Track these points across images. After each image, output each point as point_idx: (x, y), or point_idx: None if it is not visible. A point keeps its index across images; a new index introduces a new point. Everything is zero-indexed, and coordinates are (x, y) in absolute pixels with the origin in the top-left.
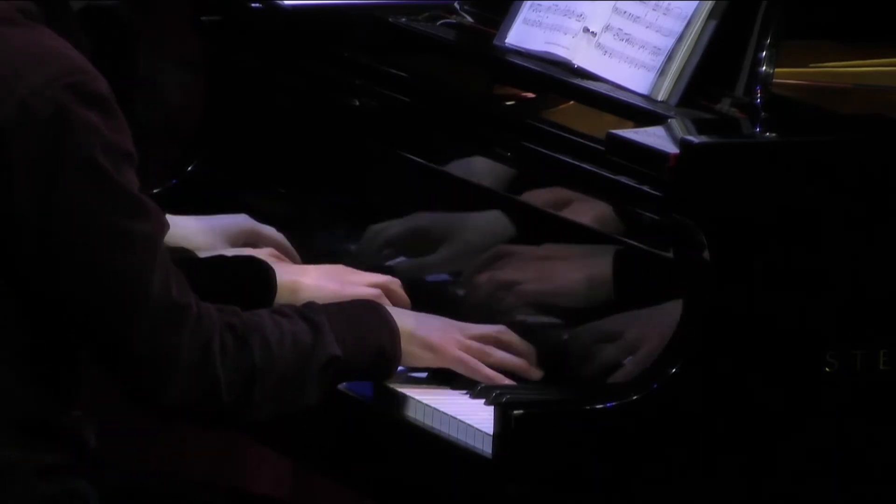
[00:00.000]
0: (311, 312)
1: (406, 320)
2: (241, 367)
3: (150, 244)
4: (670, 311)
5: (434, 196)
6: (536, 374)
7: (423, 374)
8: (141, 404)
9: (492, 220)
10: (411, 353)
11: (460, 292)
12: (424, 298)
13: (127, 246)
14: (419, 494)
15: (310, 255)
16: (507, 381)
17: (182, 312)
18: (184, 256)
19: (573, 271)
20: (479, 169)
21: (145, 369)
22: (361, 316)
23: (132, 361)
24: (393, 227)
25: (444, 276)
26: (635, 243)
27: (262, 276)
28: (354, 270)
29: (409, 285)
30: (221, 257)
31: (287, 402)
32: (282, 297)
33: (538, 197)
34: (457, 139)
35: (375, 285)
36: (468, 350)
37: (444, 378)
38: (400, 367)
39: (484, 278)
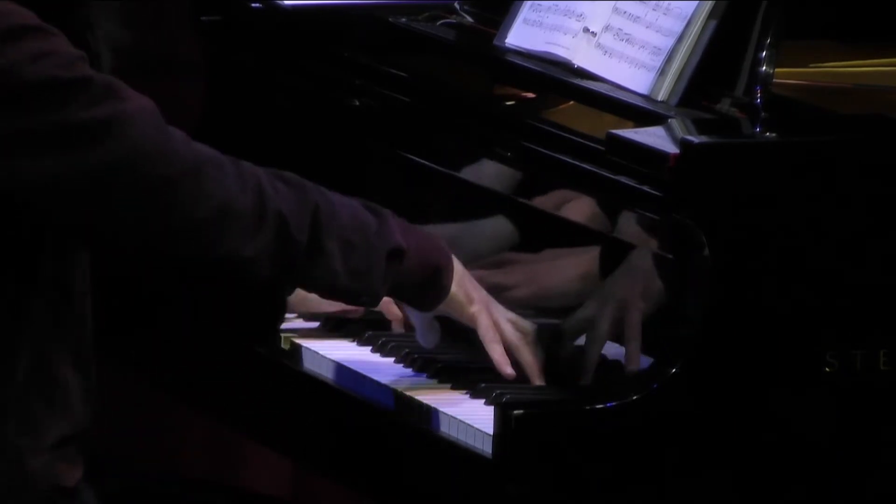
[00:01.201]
0: (376, 207)
1: (459, 266)
2: (303, 208)
3: (149, 114)
4: (670, 311)
5: (434, 196)
6: (541, 381)
7: (423, 375)
8: (225, 273)
9: (493, 221)
10: (456, 296)
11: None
12: None
13: (128, 127)
14: (419, 494)
15: None
16: (510, 369)
17: (213, 160)
18: None
19: (570, 271)
20: (479, 169)
21: (207, 228)
22: (423, 234)
23: (193, 227)
24: None
25: None
26: (635, 243)
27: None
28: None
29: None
30: None
31: (358, 273)
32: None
33: (538, 197)
34: (457, 139)
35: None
36: (497, 325)
37: (444, 378)
38: (404, 370)
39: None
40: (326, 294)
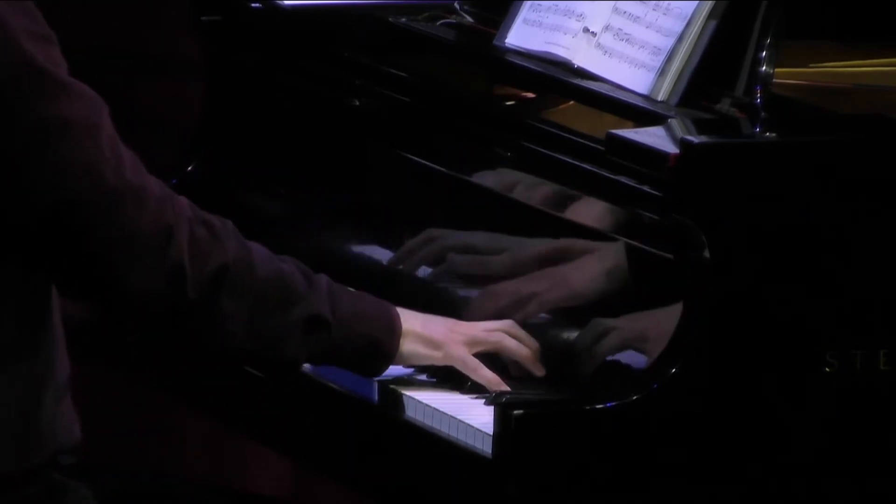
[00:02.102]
0: (312, 273)
1: (413, 321)
2: (210, 263)
3: (91, 128)
4: (670, 311)
5: (434, 196)
6: (540, 369)
7: (424, 375)
8: (106, 299)
9: (493, 222)
10: (416, 352)
11: (461, 294)
12: (428, 302)
13: (66, 132)
14: (419, 494)
15: (310, 254)
16: (505, 387)
17: (139, 193)
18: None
19: (580, 272)
20: (480, 169)
21: (106, 255)
22: (365, 303)
23: (92, 250)
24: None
25: (446, 280)
26: (635, 243)
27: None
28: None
29: (412, 290)
30: None
31: (263, 339)
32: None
33: (538, 197)
34: (457, 139)
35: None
36: (475, 344)
37: (444, 378)
38: (409, 368)
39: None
40: (223, 353)
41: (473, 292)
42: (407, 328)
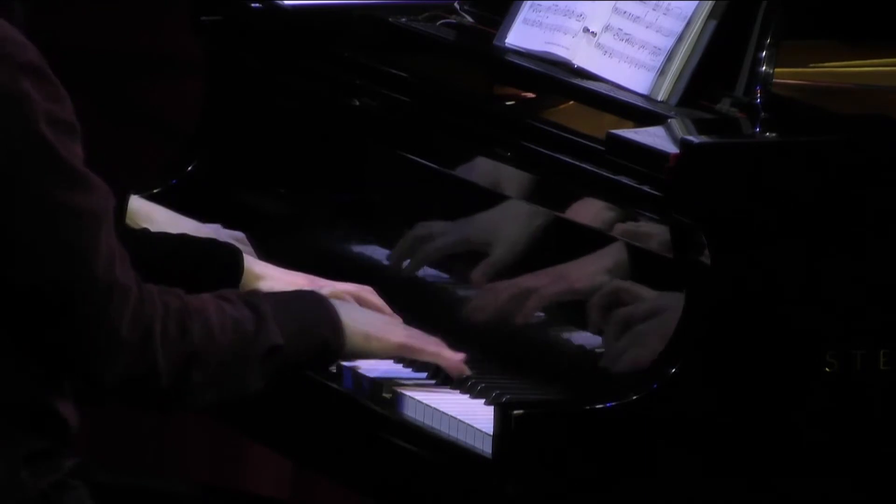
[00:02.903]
0: (255, 300)
1: (351, 314)
2: (181, 353)
3: (93, 219)
4: (671, 311)
5: (434, 196)
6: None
7: (423, 374)
8: (82, 384)
9: (493, 222)
10: (357, 344)
11: (460, 293)
12: (426, 300)
13: (69, 220)
14: (419, 494)
15: (310, 255)
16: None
17: (124, 293)
18: (148, 233)
19: (591, 268)
20: (480, 169)
21: (86, 348)
22: (306, 307)
23: (73, 339)
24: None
25: (444, 278)
26: (635, 243)
27: (231, 257)
28: (325, 280)
29: (410, 287)
30: (189, 236)
31: (228, 388)
32: (248, 283)
33: (538, 197)
34: (457, 139)
35: (347, 292)
36: (412, 336)
37: (444, 378)
38: (403, 369)
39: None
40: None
41: (472, 291)
42: (346, 321)
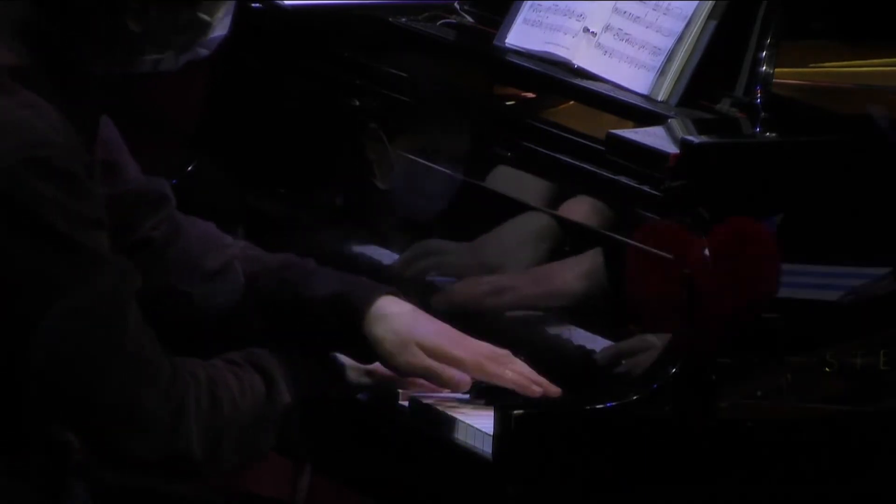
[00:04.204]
0: (261, 361)
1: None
2: (213, 426)
3: (118, 302)
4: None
5: (434, 196)
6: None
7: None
8: (111, 459)
9: (493, 222)
10: (356, 381)
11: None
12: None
13: (93, 305)
14: (419, 494)
15: (310, 255)
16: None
17: (155, 370)
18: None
19: (576, 269)
20: (480, 169)
21: (118, 431)
22: (305, 364)
23: (105, 424)
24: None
25: (447, 280)
26: (634, 243)
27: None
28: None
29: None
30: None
31: (248, 454)
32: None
33: (538, 197)
34: (457, 139)
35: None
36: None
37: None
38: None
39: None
40: None
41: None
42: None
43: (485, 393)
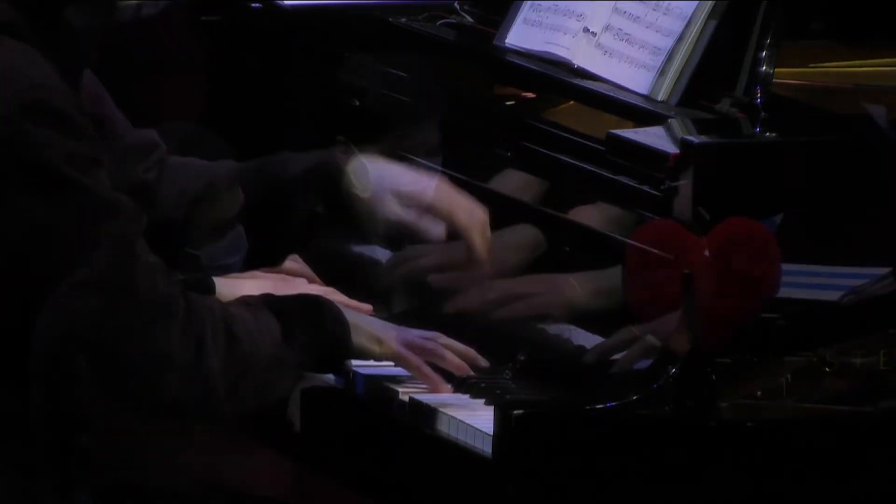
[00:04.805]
0: (276, 303)
1: (352, 315)
2: (233, 360)
3: (126, 241)
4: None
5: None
6: (483, 361)
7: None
8: (137, 406)
9: (493, 222)
10: (360, 344)
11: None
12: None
13: (105, 248)
14: (419, 494)
15: (310, 255)
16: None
17: (171, 305)
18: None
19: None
20: (480, 169)
21: (141, 370)
22: (318, 310)
23: (125, 362)
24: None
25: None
26: (634, 243)
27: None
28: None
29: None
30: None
31: (266, 395)
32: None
33: (538, 197)
34: (457, 139)
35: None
36: (411, 348)
37: (444, 378)
38: (396, 369)
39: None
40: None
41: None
42: (350, 321)
43: (483, 392)
